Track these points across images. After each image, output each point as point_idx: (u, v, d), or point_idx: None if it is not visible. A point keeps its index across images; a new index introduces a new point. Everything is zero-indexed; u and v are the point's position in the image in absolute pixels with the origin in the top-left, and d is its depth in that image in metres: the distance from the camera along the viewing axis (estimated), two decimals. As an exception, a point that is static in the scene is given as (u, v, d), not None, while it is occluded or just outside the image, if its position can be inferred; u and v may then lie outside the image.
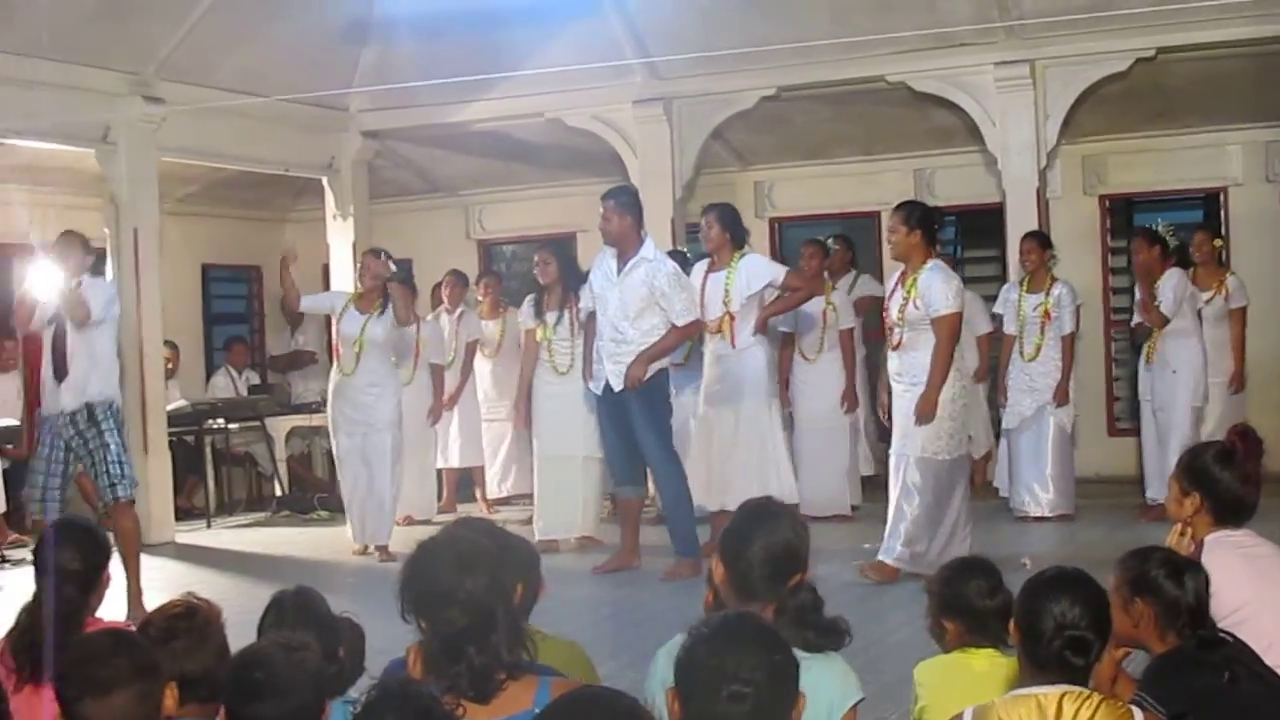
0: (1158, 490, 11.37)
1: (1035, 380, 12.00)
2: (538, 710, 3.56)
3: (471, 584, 3.64)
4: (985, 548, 10.16)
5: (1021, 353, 12.05)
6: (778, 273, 10.59)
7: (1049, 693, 3.54)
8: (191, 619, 4.14)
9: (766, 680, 3.04)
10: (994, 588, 4.45)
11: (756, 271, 10.45)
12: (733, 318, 10.34)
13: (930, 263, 9.53)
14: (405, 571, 3.76)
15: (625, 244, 10.09)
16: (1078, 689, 3.56)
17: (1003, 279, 13.41)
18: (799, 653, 3.76)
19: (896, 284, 9.70)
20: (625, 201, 10.25)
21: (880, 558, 9.60)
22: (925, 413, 9.35)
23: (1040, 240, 12.13)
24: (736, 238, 10.54)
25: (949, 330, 9.43)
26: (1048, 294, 11.96)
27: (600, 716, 2.43)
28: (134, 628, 4.36)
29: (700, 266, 10.68)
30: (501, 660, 3.62)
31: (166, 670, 3.60)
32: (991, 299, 13.04)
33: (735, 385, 10.43)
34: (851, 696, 3.93)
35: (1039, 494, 11.98)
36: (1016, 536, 11.27)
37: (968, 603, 4.48)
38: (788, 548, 4.09)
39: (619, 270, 10.09)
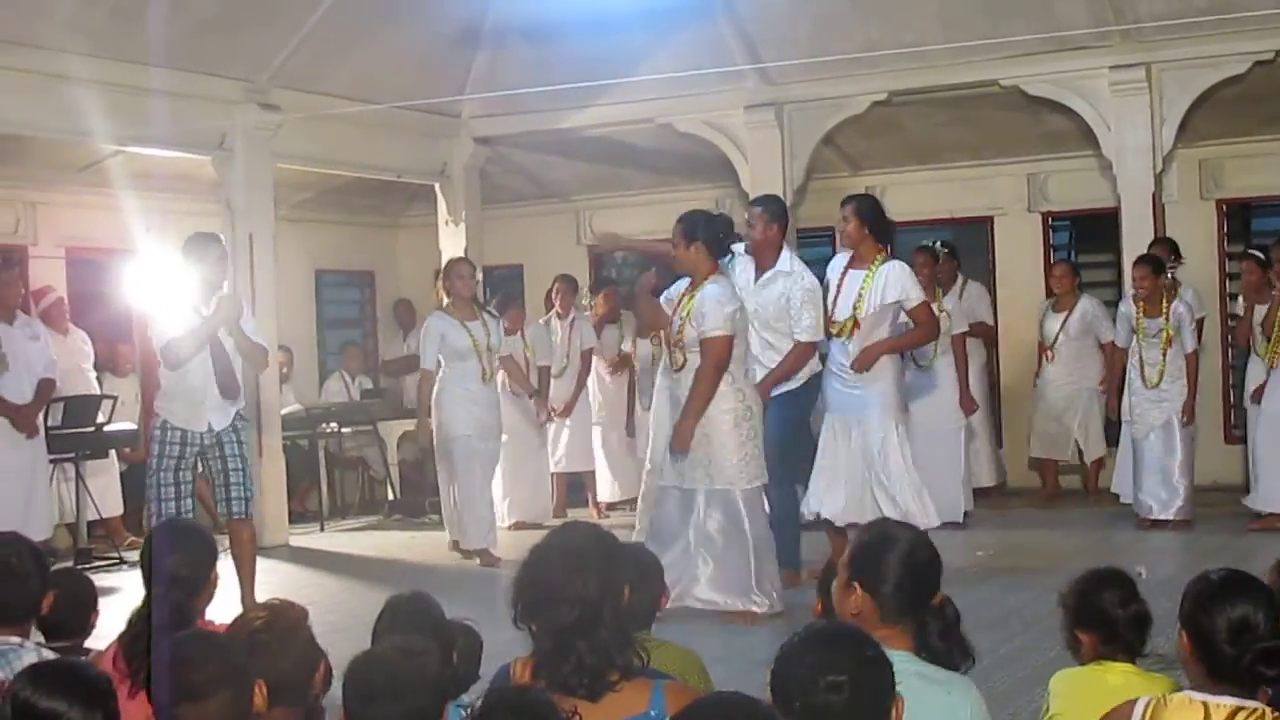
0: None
1: (1163, 394, 11.87)
2: (653, 713, 3.57)
3: (581, 582, 3.67)
4: (1102, 556, 10.06)
5: (1144, 379, 11.90)
6: (910, 295, 9.57)
7: (1226, 704, 3.43)
8: (277, 622, 4.16)
9: (862, 672, 3.06)
10: (1128, 598, 4.39)
11: (895, 282, 9.51)
12: (858, 325, 9.51)
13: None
14: (517, 576, 3.80)
15: (766, 254, 9.77)
16: (1252, 705, 3.43)
17: (1118, 285, 13.28)
18: (941, 670, 3.75)
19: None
20: (775, 211, 9.98)
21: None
22: None
23: (1153, 266, 11.87)
24: (877, 233, 9.65)
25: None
26: (1166, 318, 11.80)
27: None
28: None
29: (838, 261, 9.92)
30: (612, 658, 3.63)
31: (255, 672, 3.62)
32: (1109, 303, 12.91)
33: (860, 398, 9.58)
34: None
35: (1164, 496, 11.82)
36: (1133, 544, 11.14)
37: (1103, 614, 4.42)
38: (928, 566, 3.94)
39: (755, 279, 9.78)
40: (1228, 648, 3.51)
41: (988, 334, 14.06)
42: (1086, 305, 13.34)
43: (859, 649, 3.13)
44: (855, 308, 9.52)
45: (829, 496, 9.66)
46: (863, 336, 9.52)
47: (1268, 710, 3.45)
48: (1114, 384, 12.91)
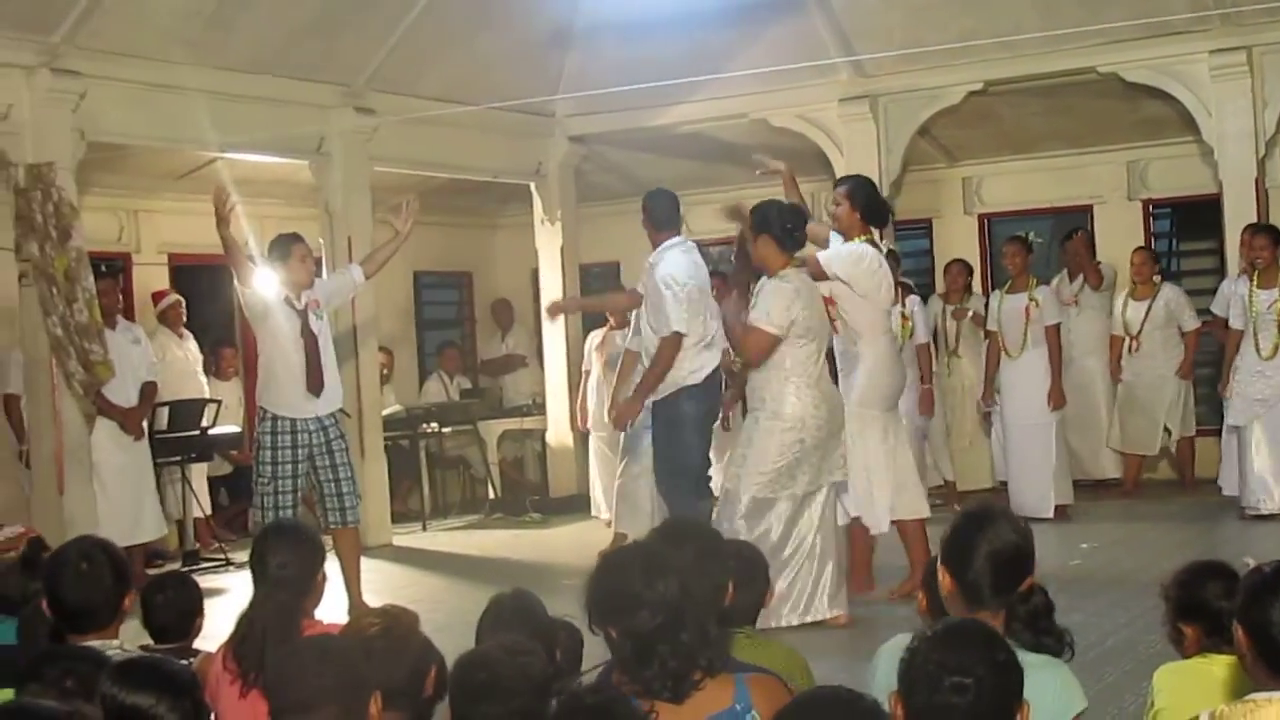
0: None
1: (1271, 377, 11.65)
2: (738, 707, 3.57)
3: (662, 586, 3.65)
4: (1207, 549, 9.96)
5: (1258, 350, 11.67)
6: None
7: None
8: (392, 629, 4.19)
9: (990, 675, 3.03)
10: (1231, 589, 4.32)
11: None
12: (831, 302, 8.95)
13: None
14: (591, 580, 3.79)
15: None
16: None
17: (1220, 272, 13.11)
18: (1028, 655, 3.71)
19: None
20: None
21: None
22: None
23: (1273, 236, 11.74)
24: (868, 217, 9.18)
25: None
26: (1281, 290, 11.63)
27: (844, 715, 2.42)
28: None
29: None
30: (695, 660, 3.63)
31: (369, 679, 3.60)
32: (1209, 292, 12.72)
33: (845, 387, 9.11)
34: (1076, 706, 3.86)
35: (1274, 489, 11.60)
36: (1239, 536, 11.00)
37: (1206, 606, 4.38)
38: (1016, 552, 3.93)
39: None
40: None
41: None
42: (1169, 293, 13.20)
43: (990, 651, 3.10)
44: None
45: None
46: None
47: None
48: (1190, 370, 12.95)
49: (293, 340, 9.57)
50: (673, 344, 9.33)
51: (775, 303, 8.37)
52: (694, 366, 9.43)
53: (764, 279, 8.55)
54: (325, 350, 9.70)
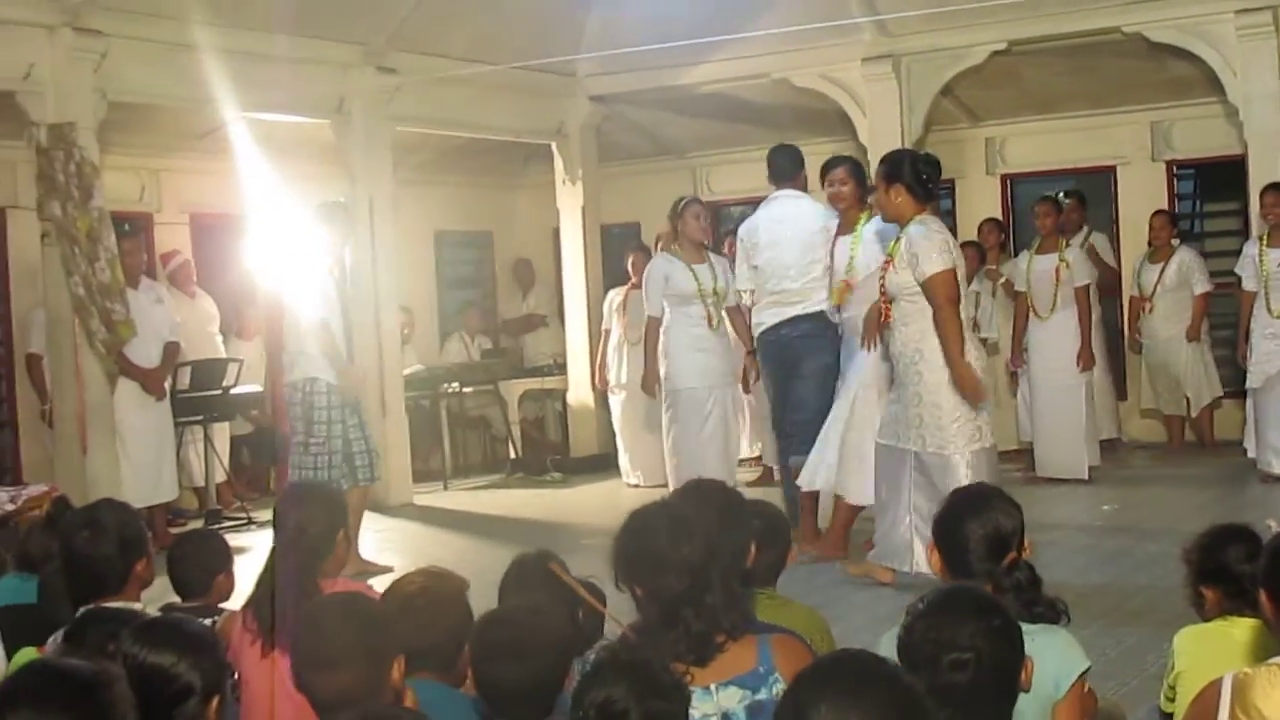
0: None
1: (1285, 334, 11.64)
2: (761, 669, 3.57)
3: (688, 549, 3.66)
4: (1230, 510, 9.93)
5: (1269, 309, 11.66)
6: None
7: None
8: (433, 590, 4.19)
9: (988, 645, 3.02)
10: (1253, 553, 4.31)
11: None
12: (850, 287, 9.15)
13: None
14: (619, 539, 3.79)
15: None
16: None
17: (1244, 233, 13.08)
18: (1024, 625, 3.77)
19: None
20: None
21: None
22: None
23: (1283, 192, 11.73)
24: (865, 197, 9.28)
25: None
26: (1292, 248, 11.60)
27: (865, 679, 2.41)
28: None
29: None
30: (719, 623, 3.63)
31: (398, 643, 3.61)
32: (1233, 254, 12.66)
33: (858, 361, 9.15)
34: (1078, 666, 3.87)
35: (1282, 451, 11.61)
36: (1262, 497, 10.98)
37: (1227, 569, 4.38)
38: (999, 530, 4.09)
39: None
40: None
41: (1113, 284, 13.85)
42: (1184, 255, 13.18)
43: (985, 619, 3.09)
44: (847, 272, 9.22)
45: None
46: (856, 296, 9.18)
47: None
48: (1196, 332, 12.95)
49: (340, 306, 9.99)
50: None
51: (935, 243, 7.96)
52: None
53: (908, 230, 8.04)
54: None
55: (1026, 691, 3.13)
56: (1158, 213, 13.75)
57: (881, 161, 8.40)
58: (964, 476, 7.67)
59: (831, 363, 9.61)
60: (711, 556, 3.68)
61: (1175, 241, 13.35)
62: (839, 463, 9.17)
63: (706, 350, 10.99)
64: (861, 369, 9.13)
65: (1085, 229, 13.83)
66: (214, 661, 3.56)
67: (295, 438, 9.95)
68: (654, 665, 3.13)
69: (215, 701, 3.53)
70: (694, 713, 3.52)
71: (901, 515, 8.25)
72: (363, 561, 9.67)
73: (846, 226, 9.43)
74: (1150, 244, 13.39)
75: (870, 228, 9.23)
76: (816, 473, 9.33)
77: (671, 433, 11.10)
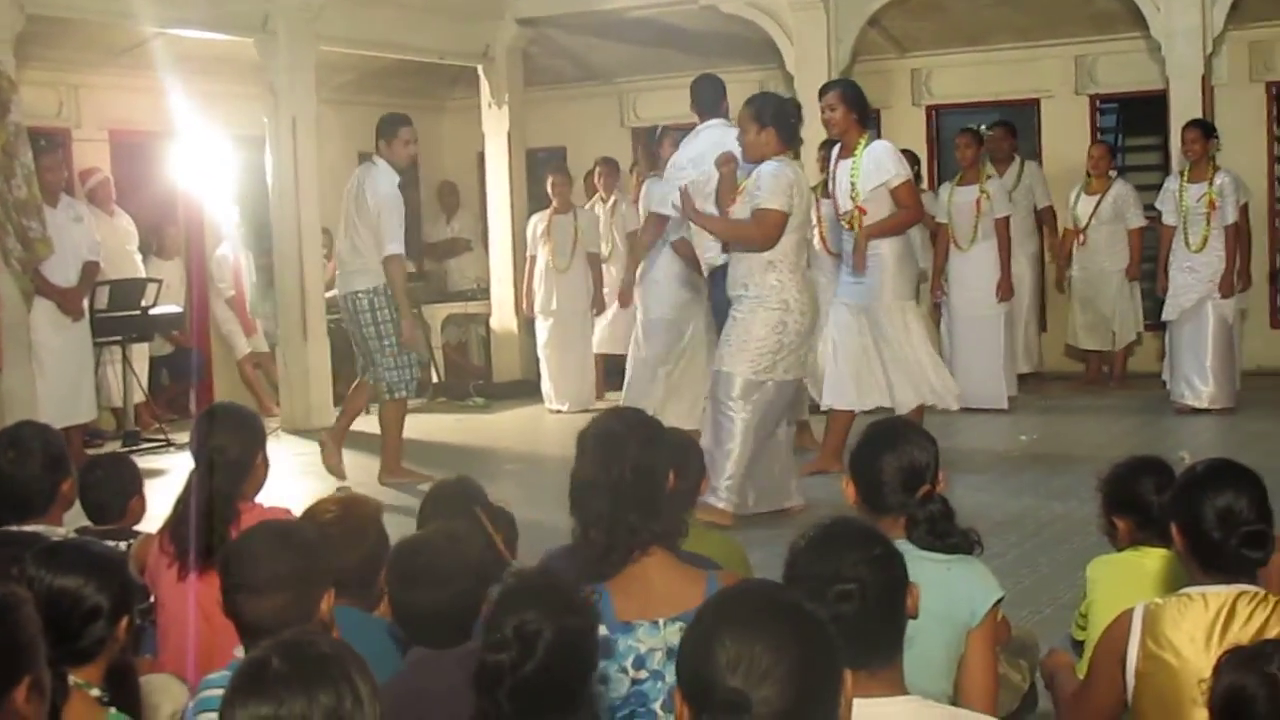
0: None
1: (1199, 270, 11.77)
2: None
3: (615, 470, 3.72)
4: (1146, 441, 10.07)
5: (1187, 243, 11.81)
6: (893, 174, 9.21)
7: (1222, 592, 3.49)
8: (347, 517, 4.19)
9: (871, 574, 3.03)
10: (1165, 484, 4.36)
11: (881, 163, 9.22)
12: (863, 211, 9.29)
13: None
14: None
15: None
16: (1252, 589, 3.50)
17: (1165, 169, 13.15)
18: (938, 555, 3.90)
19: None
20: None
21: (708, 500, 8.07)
22: None
23: (1203, 129, 11.86)
24: (863, 119, 9.45)
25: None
26: (1210, 183, 11.72)
27: (766, 610, 2.42)
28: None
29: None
30: (634, 537, 3.69)
31: (330, 574, 3.61)
32: (1154, 188, 12.76)
33: (868, 287, 9.41)
34: (992, 595, 3.92)
35: (1199, 386, 11.77)
36: (1176, 429, 11.14)
37: (1139, 499, 4.44)
38: (914, 463, 4.12)
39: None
40: (1216, 535, 3.53)
41: (1049, 219, 13.85)
42: (1120, 189, 13.20)
43: (866, 548, 3.10)
44: (852, 197, 9.32)
45: (841, 388, 9.66)
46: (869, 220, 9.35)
47: (1269, 595, 3.49)
48: (1136, 269, 12.96)
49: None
50: None
51: (779, 184, 8.30)
52: None
53: (760, 165, 8.42)
54: None
55: (914, 618, 3.16)
56: (1097, 143, 13.83)
57: (749, 103, 8.63)
58: (736, 394, 8.32)
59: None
60: (636, 477, 3.73)
61: (1112, 174, 13.40)
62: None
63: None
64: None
65: (1017, 159, 13.87)
66: (121, 583, 3.55)
67: (372, 343, 10.14)
68: (563, 584, 3.15)
69: (125, 621, 3.53)
70: (639, 646, 3.59)
71: None
72: (405, 471, 10.05)
73: (846, 150, 9.43)
74: (1088, 174, 13.38)
75: (871, 151, 9.30)
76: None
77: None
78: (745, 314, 8.43)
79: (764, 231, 8.31)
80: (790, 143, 8.55)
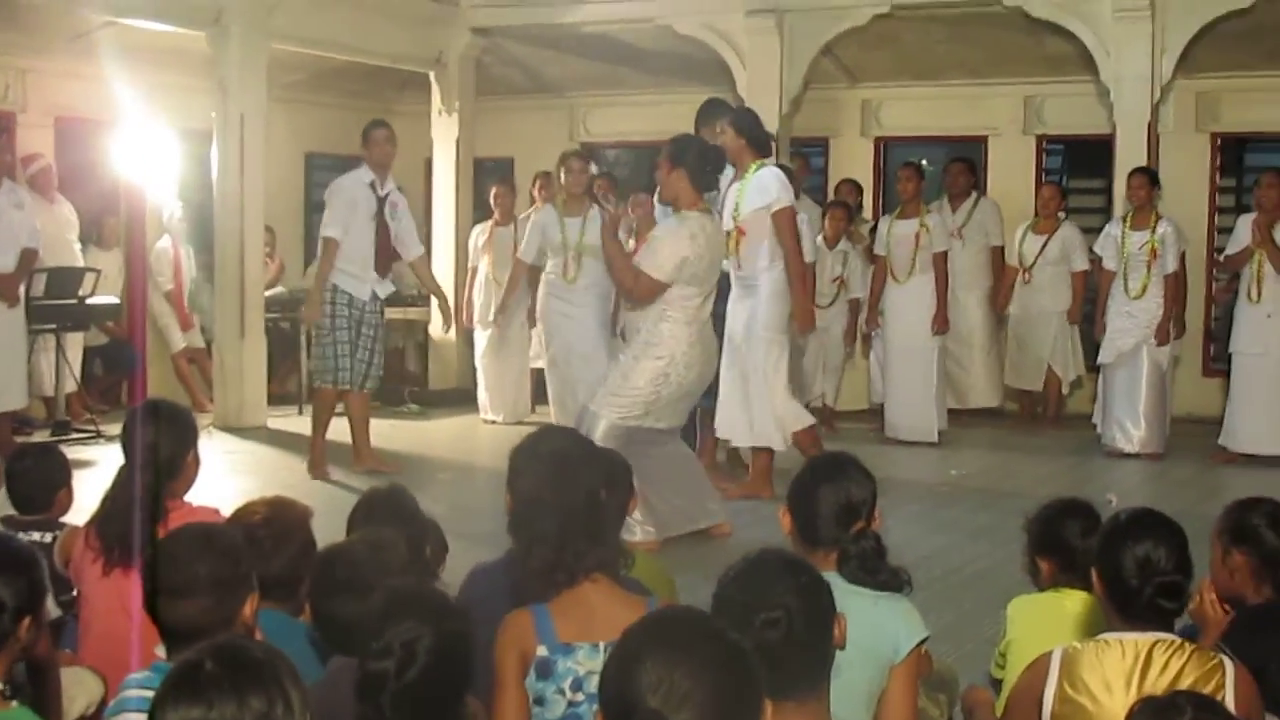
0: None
1: (1137, 316, 11.88)
2: None
3: (570, 492, 3.76)
4: (1075, 482, 10.15)
5: (1126, 289, 11.92)
6: (775, 199, 9.33)
7: (1139, 639, 3.54)
8: (275, 521, 4.17)
9: (797, 602, 3.06)
10: (1090, 528, 4.41)
11: (764, 187, 9.34)
12: (742, 232, 9.34)
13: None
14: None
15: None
16: (1169, 637, 3.55)
17: (1107, 212, 13.29)
18: (867, 591, 3.90)
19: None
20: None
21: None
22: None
23: (1150, 177, 12.00)
24: (755, 145, 9.51)
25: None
26: (1153, 231, 11.83)
27: (688, 637, 2.44)
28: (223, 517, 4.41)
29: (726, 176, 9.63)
30: (585, 561, 3.70)
31: (249, 577, 3.55)
32: (1096, 231, 12.87)
33: (743, 312, 9.51)
34: (917, 634, 3.94)
35: (1130, 431, 11.88)
36: (1105, 471, 11.22)
37: (1063, 542, 4.48)
38: (850, 499, 4.14)
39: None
40: (1133, 583, 3.58)
41: (997, 258, 13.81)
42: (1068, 231, 13.26)
43: (793, 576, 3.13)
44: (734, 217, 9.39)
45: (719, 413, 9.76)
46: (748, 244, 9.41)
47: (1185, 641, 3.54)
48: (1078, 314, 13.03)
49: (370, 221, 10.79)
50: None
51: (667, 249, 8.24)
52: None
53: (664, 220, 8.51)
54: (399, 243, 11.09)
55: (841, 649, 3.18)
56: (1049, 183, 13.97)
57: (671, 141, 8.63)
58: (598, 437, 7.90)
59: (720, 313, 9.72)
60: (587, 502, 3.78)
61: (1061, 215, 13.48)
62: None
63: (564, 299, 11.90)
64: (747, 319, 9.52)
65: (974, 194, 13.94)
66: (29, 581, 3.45)
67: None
68: (439, 592, 3.21)
69: (26, 621, 3.42)
70: (578, 669, 3.61)
71: None
72: (375, 460, 10.87)
73: (739, 173, 9.51)
74: (1037, 214, 13.46)
75: (759, 176, 9.38)
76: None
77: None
78: (630, 360, 8.39)
79: (639, 290, 8.34)
80: (704, 187, 8.55)
